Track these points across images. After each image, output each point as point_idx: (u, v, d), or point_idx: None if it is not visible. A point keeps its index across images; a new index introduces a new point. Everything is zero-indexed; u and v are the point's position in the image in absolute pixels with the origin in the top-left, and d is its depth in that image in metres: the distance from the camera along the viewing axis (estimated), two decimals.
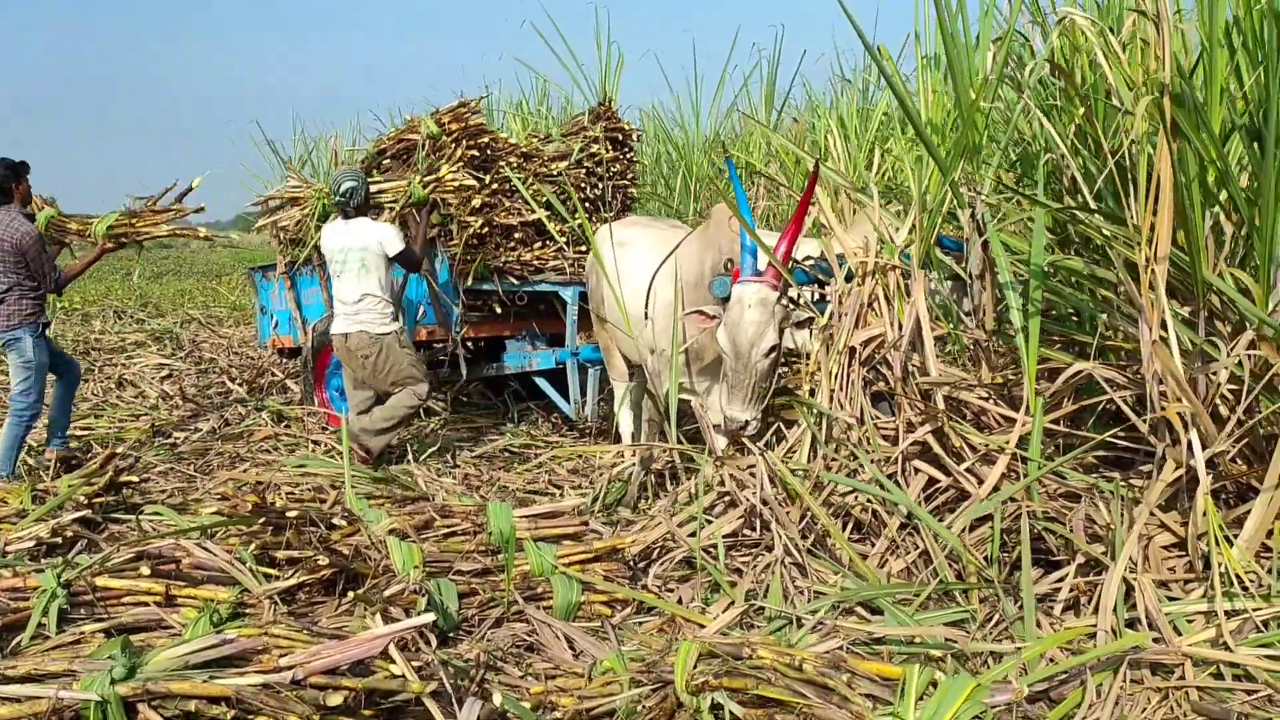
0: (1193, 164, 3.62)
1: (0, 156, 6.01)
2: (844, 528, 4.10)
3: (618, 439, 6.40)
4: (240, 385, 9.27)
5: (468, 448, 6.75)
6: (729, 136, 9.94)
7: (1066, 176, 4.25)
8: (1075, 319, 4.59)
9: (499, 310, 7.23)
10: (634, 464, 5.37)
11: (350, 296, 6.21)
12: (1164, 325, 3.61)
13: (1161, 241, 3.61)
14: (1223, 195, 3.82)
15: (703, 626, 3.45)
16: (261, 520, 3.58)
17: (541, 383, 7.33)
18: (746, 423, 4.48)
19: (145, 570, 3.32)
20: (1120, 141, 3.91)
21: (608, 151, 7.46)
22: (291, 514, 3.59)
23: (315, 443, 6.71)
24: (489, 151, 6.92)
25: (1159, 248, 3.62)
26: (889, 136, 7.72)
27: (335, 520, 3.73)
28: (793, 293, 4.75)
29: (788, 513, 4.01)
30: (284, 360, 9.46)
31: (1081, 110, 4.14)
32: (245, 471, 5.94)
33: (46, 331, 6.16)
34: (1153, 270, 3.64)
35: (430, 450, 6.61)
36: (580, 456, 6.43)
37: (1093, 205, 4.04)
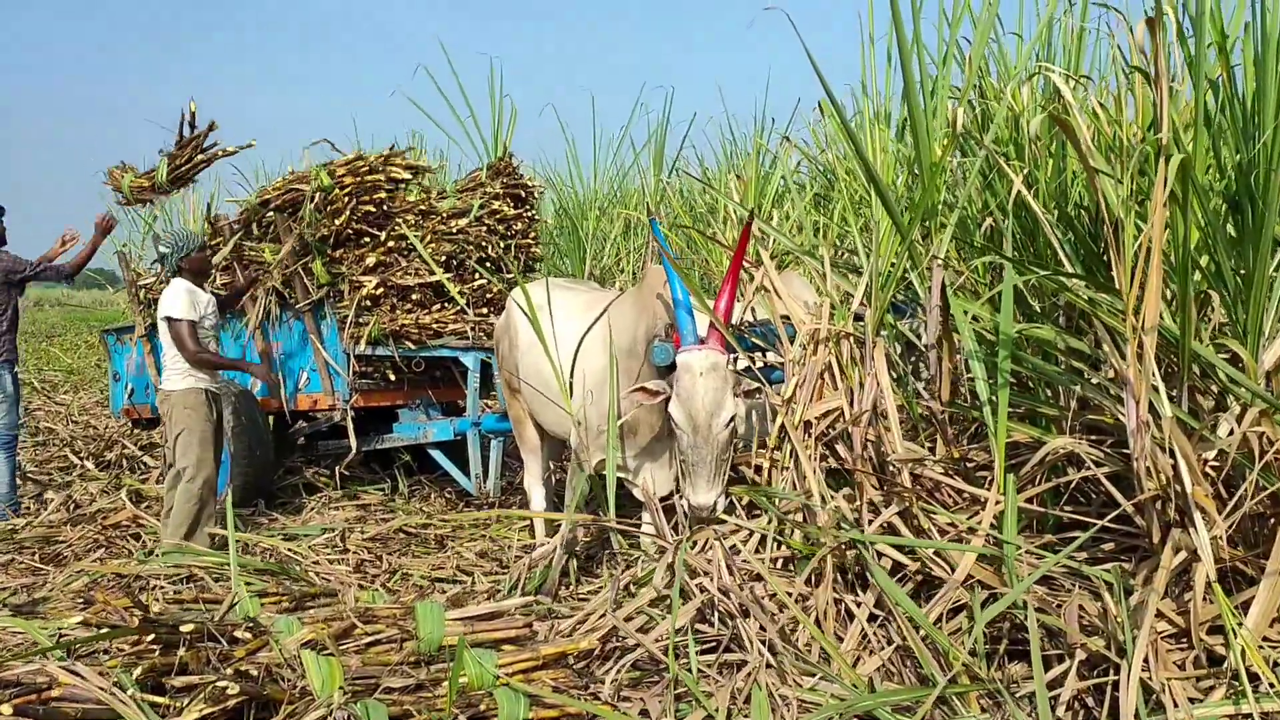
0: (1180, 229, 3.42)
1: None
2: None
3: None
4: (85, 459, 8.36)
5: (358, 529, 6.11)
6: (623, 194, 9.66)
7: (1037, 241, 4.03)
8: (1030, 389, 4.37)
9: (393, 377, 6.67)
10: (556, 546, 4.89)
11: None
12: (1152, 400, 3.39)
13: (1150, 311, 3.39)
14: (1204, 261, 3.65)
15: None
16: (150, 637, 2.96)
17: (437, 455, 6.76)
18: (714, 505, 4.09)
19: (6, 709, 2.66)
20: (1096, 204, 3.72)
21: (510, 209, 7.01)
22: (187, 628, 2.98)
23: None
24: (385, 208, 6.42)
25: (1147, 318, 3.40)
26: (783, 197, 7.55)
27: (238, 633, 3.12)
28: (740, 361, 4.40)
29: (760, 604, 3.60)
30: (139, 432, 8.58)
31: (1050, 168, 3.95)
32: (103, 563, 5.19)
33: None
34: (1141, 341, 3.42)
35: (316, 534, 5.95)
36: (489, 537, 5.88)
37: (1069, 270, 3.82)
